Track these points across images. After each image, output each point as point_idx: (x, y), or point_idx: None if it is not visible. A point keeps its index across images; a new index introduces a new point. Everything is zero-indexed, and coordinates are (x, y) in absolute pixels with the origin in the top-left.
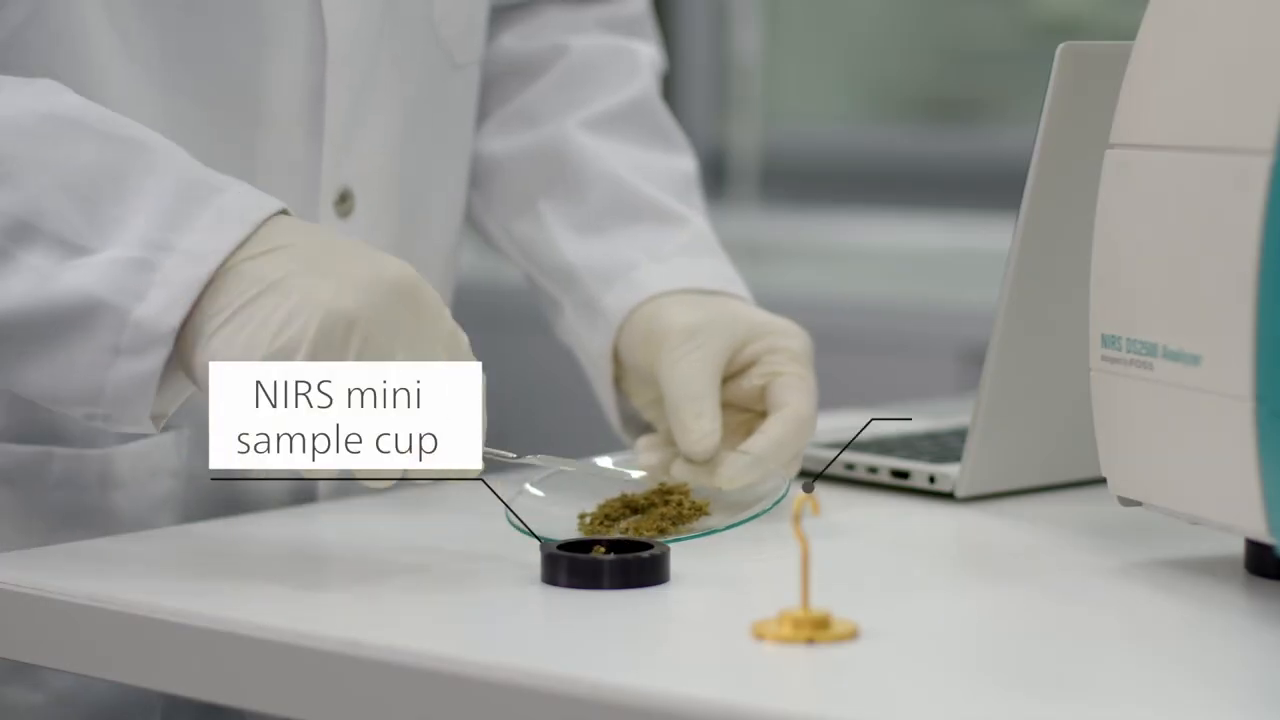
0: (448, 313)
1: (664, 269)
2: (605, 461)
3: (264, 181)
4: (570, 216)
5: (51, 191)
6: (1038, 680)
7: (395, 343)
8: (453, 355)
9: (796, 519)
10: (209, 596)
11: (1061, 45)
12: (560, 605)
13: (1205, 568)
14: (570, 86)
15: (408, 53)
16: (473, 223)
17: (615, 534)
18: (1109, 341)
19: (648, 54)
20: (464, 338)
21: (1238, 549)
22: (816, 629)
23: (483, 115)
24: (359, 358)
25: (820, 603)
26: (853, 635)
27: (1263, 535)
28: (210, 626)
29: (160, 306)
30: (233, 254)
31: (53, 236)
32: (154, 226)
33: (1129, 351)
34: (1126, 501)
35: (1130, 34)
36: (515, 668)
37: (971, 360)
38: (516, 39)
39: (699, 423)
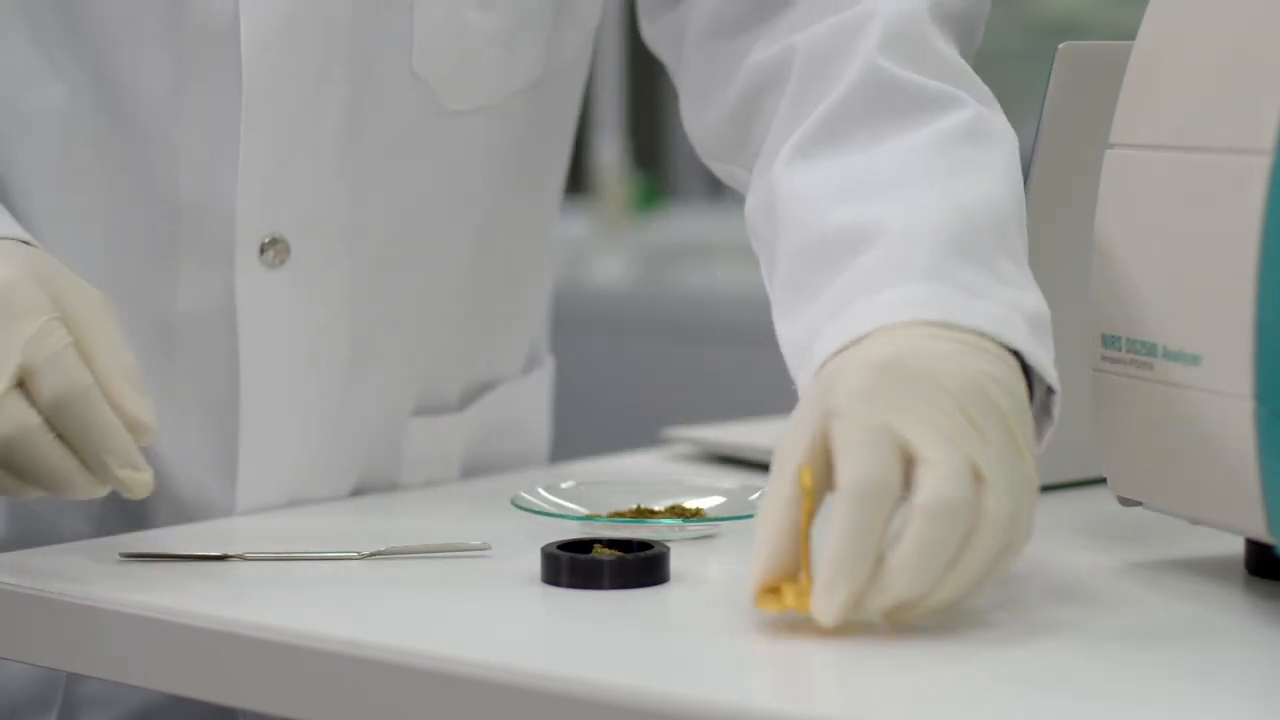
0: (45, 319)
1: (829, 331)
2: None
3: (185, 219)
4: (776, 289)
5: None
6: (1038, 680)
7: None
8: (28, 359)
9: (807, 490)
10: (209, 596)
11: (1061, 45)
12: (560, 605)
13: (1205, 568)
14: (799, 100)
15: (377, 99)
16: None
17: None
18: (1109, 341)
19: (888, 11)
20: (59, 342)
21: (1238, 549)
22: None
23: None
24: None
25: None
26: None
27: (1263, 535)
28: (210, 626)
29: None
30: None
31: None
32: None
33: (1129, 351)
34: (1126, 501)
35: (1130, 34)
36: (515, 668)
37: None
38: (760, 50)
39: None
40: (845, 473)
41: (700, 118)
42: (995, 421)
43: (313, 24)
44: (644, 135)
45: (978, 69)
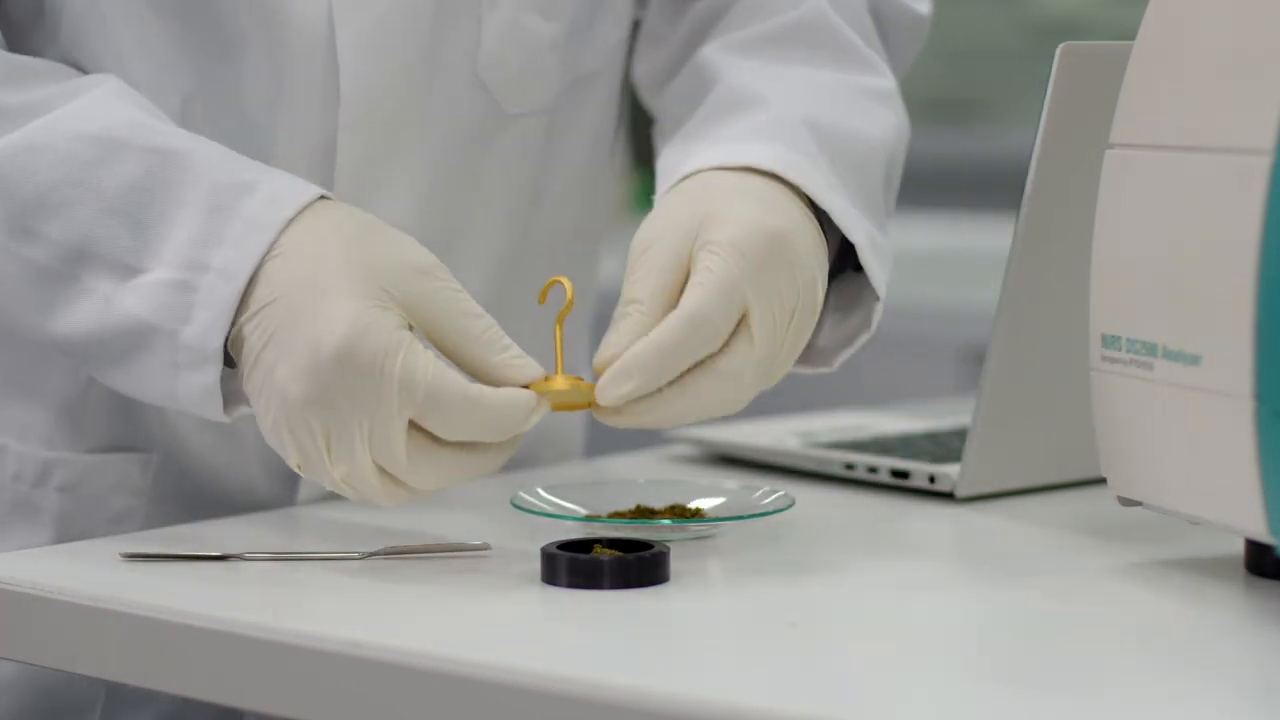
0: (394, 368)
1: (707, 155)
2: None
3: None
4: (680, 132)
5: (101, 217)
6: (1038, 680)
7: (348, 421)
8: (406, 410)
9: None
10: (209, 597)
11: (1061, 45)
12: (560, 605)
13: (1205, 568)
14: (738, 23)
15: (445, 102)
16: None
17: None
18: (1109, 341)
19: None
20: (424, 377)
21: (1238, 549)
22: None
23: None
24: (329, 444)
25: (820, 603)
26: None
27: (1263, 535)
28: (210, 626)
29: (204, 327)
30: (260, 264)
31: (109, 260)
32: (191, 243)
33: (1129, 351)
34: (1126, 501)
35: (1130, 34)
36: (515, 668)
37: (971, 360)
38: None
39: (608, 334)
40: (694, 299)
41: (648, 57)
42: (804, 327)
43: (401, 30)
44: (644, 135)
45: (977, 68)
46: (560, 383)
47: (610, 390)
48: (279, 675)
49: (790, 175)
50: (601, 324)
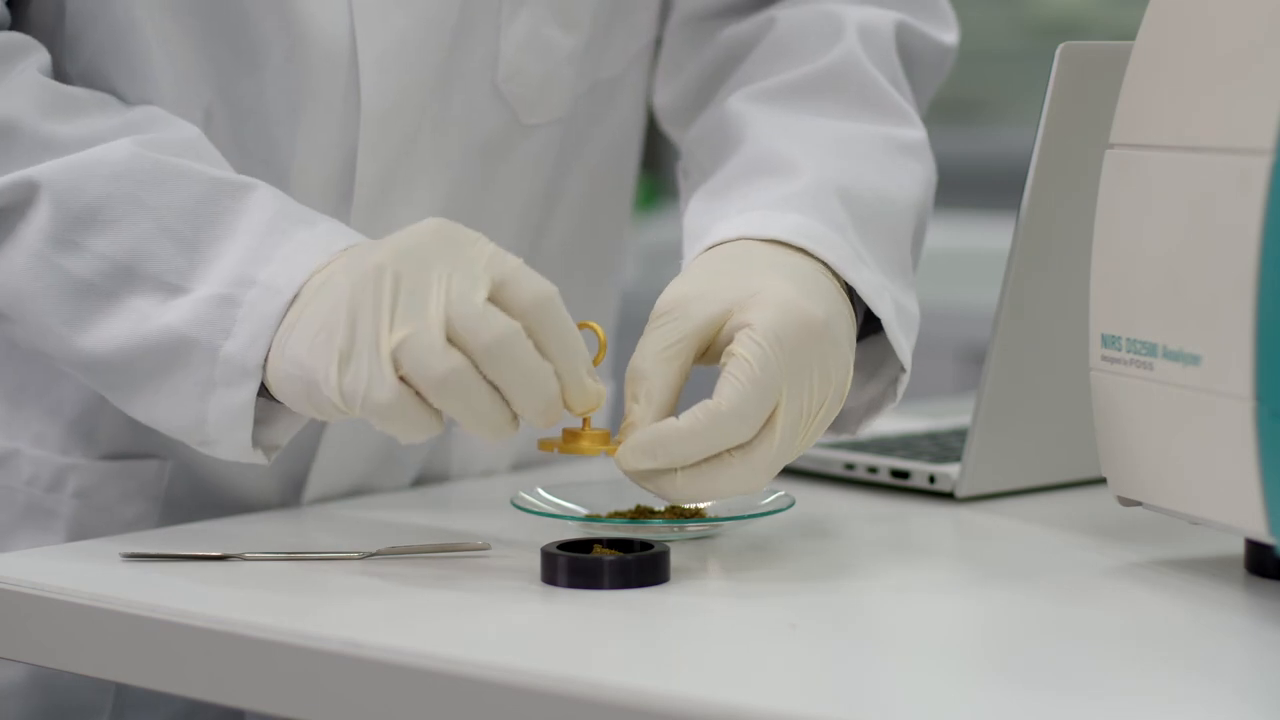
0: (490, 242)
1: (736, 222)
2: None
3: None
4: (706, 187)
5: (153, 236)
6: (1038, 680)
7: (428, 269)
8: (494, 268)
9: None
10: (209, 597)
11: (1061, 45)
12: (560, 605)
13: (1205, 568)
14: (765, 63)
15: (463, 113)
16: None
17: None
18: (1109, 341)
19: (860, 17)
20: (513, 259)
21: (1238, 549)
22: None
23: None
24: (396, 296)
25: (820, 604)
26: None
27: (1263, 535)
28: (210, 626)
29: (246, 341)
30: (308, 280)
31: (154, 279)
32: (241, 262)
33: (1129, 351)
34: (1126, 501)
35: (1130, 34)
36: (515, 668)
37: (971, 360)
38: (739, 24)
39: (631, 404)
40: (732, 395)
41: (670, 84)
42: (828, 418)
43: (422, 43)
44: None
45: (977, 68)
46: (587, 440)
47: (630, 461)
48: (279, 675)
49: (820, 251)
50: (622, 328)
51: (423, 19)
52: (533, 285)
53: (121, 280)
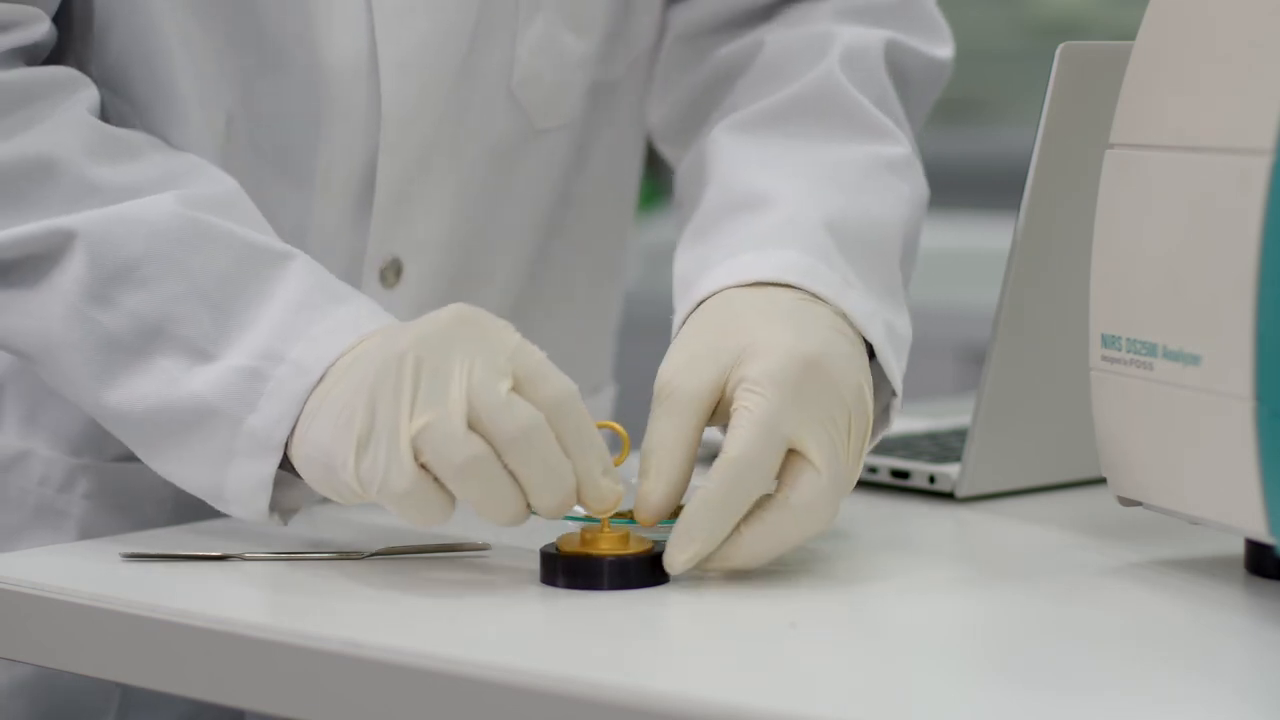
0: (515, 332)
1: (718, 273)
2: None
3: (310, 246)
4: (690, 227)
5: (187, 298)
6: (1038, 680)
7: (451, 357)
8: (519, 358)
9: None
10: (209, 597)
11: (1061, 45)
12: (560, 605)
13: (1205, 568)
14: (752, 88)
15: (479, 119)
16: None
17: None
18: (1109, 341)
19: (848, 37)
20: (537, 352)
21: (1238, 549)
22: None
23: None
24: (418, 382)
25: (820, 604)
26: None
27: (1263, 535)
28: (210, 626)
29: (272, 418)
30: (336, 362)
31: (183, 342)
32: (271, 335)
33: (1129, 351)
34: (1126, 501)
35: (1130, 34)
36: (515, 668)
37: (971, 360)
38: (731, 44)
39: (642, 480)
40: (737, 444)
41: (662, 101)
42: (864, 433)
43: (442, 48)
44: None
45: (977, 68)
46: (606, 543)
47: (677, 558)
48: (279, 675)
49: (808, 285)
50: (628, 328)
51: (442, 23)
52: (556, 381)
53: (150, 339)
